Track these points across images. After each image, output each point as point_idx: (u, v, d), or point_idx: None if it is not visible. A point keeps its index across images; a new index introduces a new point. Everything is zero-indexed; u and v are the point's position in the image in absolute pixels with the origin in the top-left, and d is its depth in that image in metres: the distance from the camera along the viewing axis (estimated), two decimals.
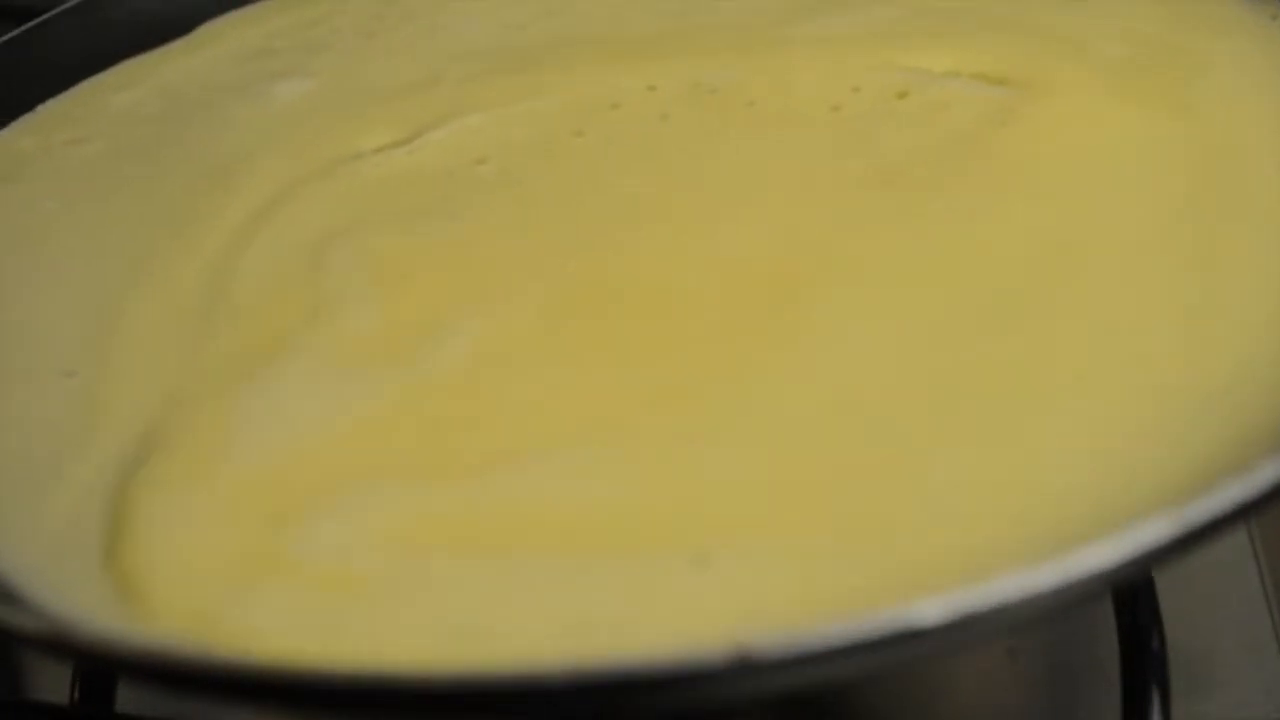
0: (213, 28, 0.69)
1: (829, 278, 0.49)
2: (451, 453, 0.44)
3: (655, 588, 0.40)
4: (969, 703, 0.51)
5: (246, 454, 0.45)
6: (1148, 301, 0.47)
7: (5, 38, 0.65)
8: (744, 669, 0.35)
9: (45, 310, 0.53)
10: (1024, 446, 0.43)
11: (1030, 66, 0.57)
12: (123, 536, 0.43)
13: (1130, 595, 0.49)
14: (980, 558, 0.39)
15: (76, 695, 0.51)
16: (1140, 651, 0.46)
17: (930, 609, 0.35)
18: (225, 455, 0.45)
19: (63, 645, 0.40)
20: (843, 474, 0.42)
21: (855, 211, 0.51)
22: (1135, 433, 0.43)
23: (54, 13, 0.67)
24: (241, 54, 0.67)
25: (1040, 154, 0.53)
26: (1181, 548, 0.37)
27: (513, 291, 0.50)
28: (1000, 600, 0.36)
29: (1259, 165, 0.51)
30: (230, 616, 0.40)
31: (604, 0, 0.66)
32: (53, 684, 0.54)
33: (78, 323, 0.52)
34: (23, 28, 0.66)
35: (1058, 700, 0.52)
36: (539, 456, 0.44)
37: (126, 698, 0.51)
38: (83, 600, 0.41)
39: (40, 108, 0.65)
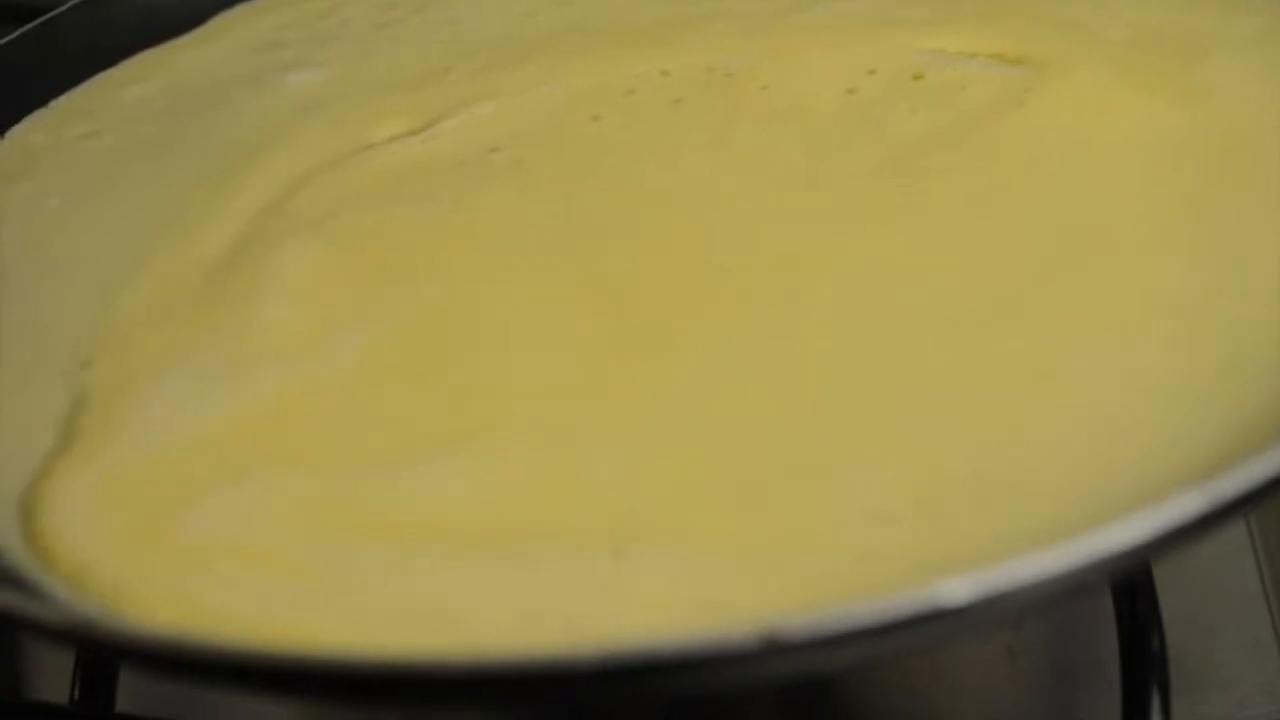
0: (223, 20, 0.68)
1: (823, 269, 0.48)
2: (362, 443, 0.45)
3: (582, 581, 0.40)
4: (969, 702, 0.51)
5: (141, 440, 0.45)
6: (1154, 291, 0.46)
7: (16, 34, 0.65)
8: (772, 651, 0.35)
9: (54, 305, 0.53)
10: (1012, 438, 0.42)
11: (1046, 48, 0.57)
12: (32, 516, 0.44)
13: (1130, 594, 0.49)
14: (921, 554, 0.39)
15: (76, 695, 0.51)
16: (1140, 651, 0.46)
17: (959, 588, 0.35)
18: (122, 441, 0.45)
19: (81, 638, 0.40)
20: (787, 471, 0.42)
21: (860, 201, 0.51)
22: (1133, 428, 0.42)
23: (64, 8, 0.67)
24: (252, 46, 0.66)
25: (1052, 141, 0.53)
26: (1210, 523, 0.37)
27: (465, 277, 0.50)
28: (1026, 579, 0.35)
29: (1269, 149, 0.51)
30: (130, 586, 0.41)
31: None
32: (53, 684, 0.54)
33: (85, 318, 0.52)
34: (34, 23, 0.66)
35: (1058, 700, 0.52)
36: (449, 449, 0.44)
37: (126, 698, 0.51)
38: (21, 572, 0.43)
39: (52, 103, 0.64)
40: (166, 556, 0.42)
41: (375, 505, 0.43)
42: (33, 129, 0.63)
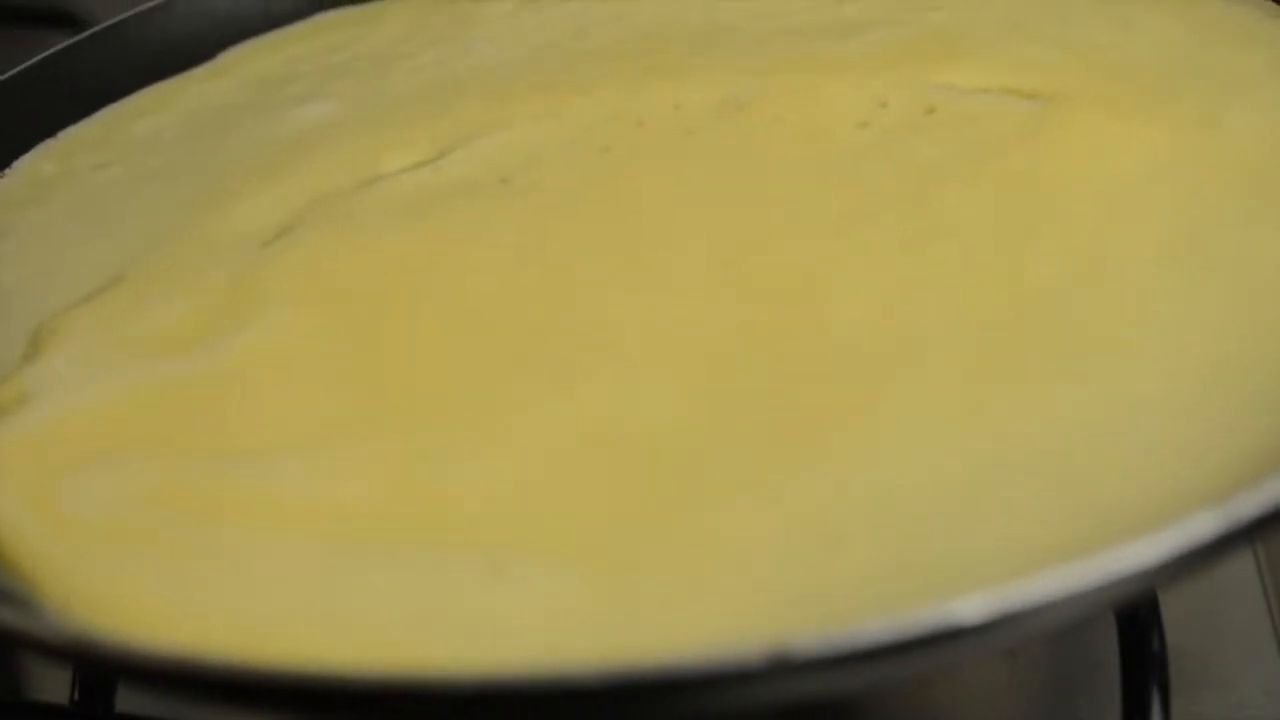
0: (234, 54, 0.68)
1: (830, 296, 0.48)
2: (231, 434, 0.46)
3: (452, 593, 0.41)
4: (969, 703, 0.51)
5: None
6: (1165, 320, 0.46)
7: (26, 65, 0.65)
8: (781, 669, 0.34)
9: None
10: (1006, 461, 0.42)
11: (1059, 82, 0.56)
12: None
13: None
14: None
15: (76, 695, 0.51)
16: (1140, 651, 0.46)
17: (971, 607, 0.34)
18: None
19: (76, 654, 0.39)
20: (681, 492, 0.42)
21: (870, 231, 0.51)
22: (1136, 454, 0.42)
23: (76, 39, 0.67)
24: (262, 80, 0.66)
25: (1064, 172, 0.52)
26: (1226, 545, 0.36)
27: (427, 295, 0.50)
28: (1042, 598, 0.35)
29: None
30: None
31: (630, 26, 0.65)
32: (53, 684, 0.53)
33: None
34: (45, 54, 0.66)
35: (1058, 700, 0.51)
36: (322, 444, 0.45)
37: (126, 698, 0.51)
38: None
39: (62, 133, 0.64)
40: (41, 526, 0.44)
41: (237, 492, 0.44)
42: (42, 159, 0.63)
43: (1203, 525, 0.36)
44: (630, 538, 0.41)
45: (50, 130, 0.64)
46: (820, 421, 0.44)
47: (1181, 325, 0.46)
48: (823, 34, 0.61)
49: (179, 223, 0.57)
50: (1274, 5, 0.59)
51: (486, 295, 0.50)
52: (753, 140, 0.56)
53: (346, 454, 0.45)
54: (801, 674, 0.35)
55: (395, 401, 0.47)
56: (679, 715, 0.37)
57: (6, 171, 0.62)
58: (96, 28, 0.68)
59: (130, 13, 0.68)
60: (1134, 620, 0.47)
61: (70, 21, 0.85)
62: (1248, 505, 0.36)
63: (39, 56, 0.66)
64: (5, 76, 0.64)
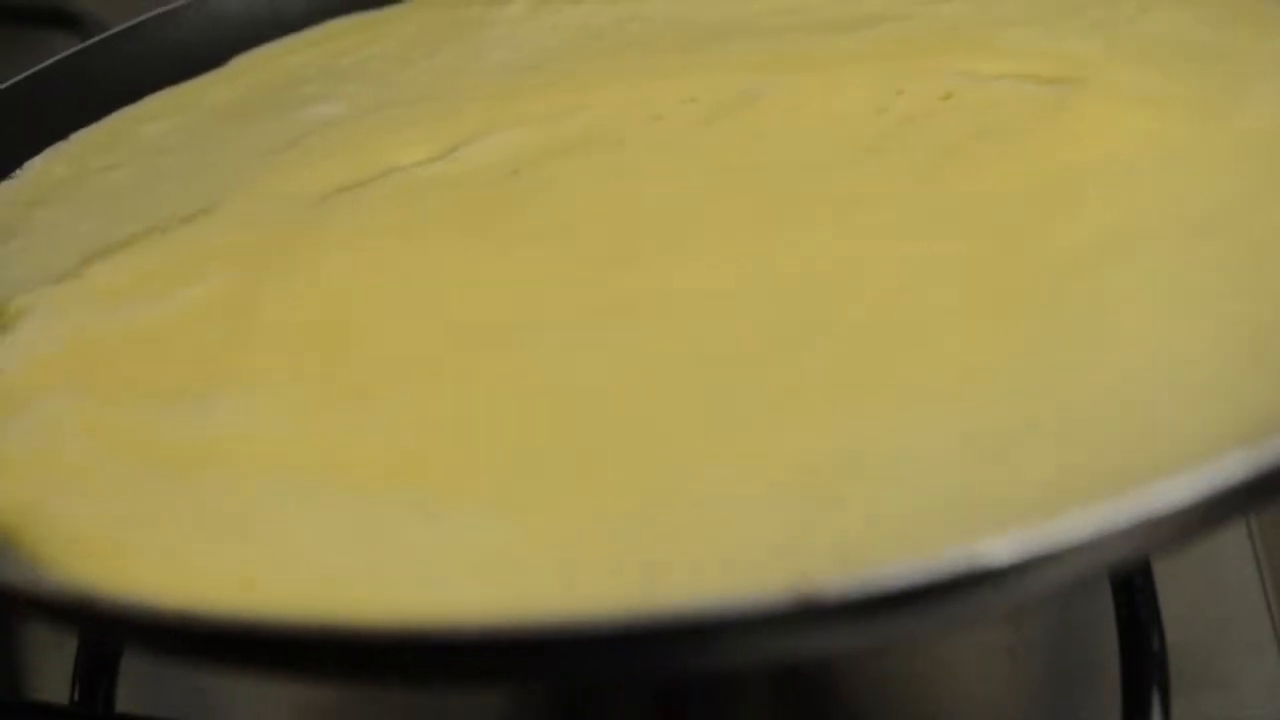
0: (245, 60, 0.68)
1: (849, 277, 0.47)
2: (169, 378, 0.48)
3: (380, 536, 0.41)
4: (969, 702, 0.50)
5: None
6: (1182, 292, 0.45)
7: (38, 68, 0.65)
8: (807, 612, 0.33)
9: None
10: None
11: (1077, 68, 0.56)
12: None
13: (1130, 594, 0.48)
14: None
15: (76, 695, 0.50)
16: (1140, 651, 0.45)
17: (1002, 547, 0.34)
18: None
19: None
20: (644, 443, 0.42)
21: (887, 211, 0.50)
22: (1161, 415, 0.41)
23: (87, 44, 0.67)
24: (274, 83, 0.66)
25: (1083, 153, 0.52)
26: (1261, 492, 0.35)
27: (399, 267, 0.51)
28: (1076, 538, 0.34)
29: None
30: None
31: (643, 25, 0.65)
32: (53, 684, 0.53)
33: None
34: (56, 58, 0.66)
35: (1058, 700, 0.51)
36: (252, 387, 0.46)
37: (127, 698, 0.50)
38: None
39: (73, 136, 0.64)
40: None
41: (171, 433, 0.45)
42: (53, 160, 0.63)
43: (1234, 466, 0.35)
44: (558, 486, 0.42)
45: (61, 133, 0.64)
46: (823, 386, 0.43)
47: (1197, 295, 0.45)
48: (837, 28, 0.61)
49: (185, 218, 0.56)
50: None
51: (467, 271, 0.50)
52: (768, 129, 0.56)
53: (280, 398, 0.46)
54: (829, 619, 0.34)
55: (338, 356, 0.47)
56: (699, 665, 0.36)
57: (17, 173, 0.62)
58: (108, 33, 0.67)
59: (142, 18, 0.68)
60: (1134, 620, 0.47)
61: (70, 21, 0.85)
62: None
63: (51, 60, 0.65)
64: (16, 80, 0.64)
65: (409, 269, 0.51)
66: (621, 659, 0.35)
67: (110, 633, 0.41)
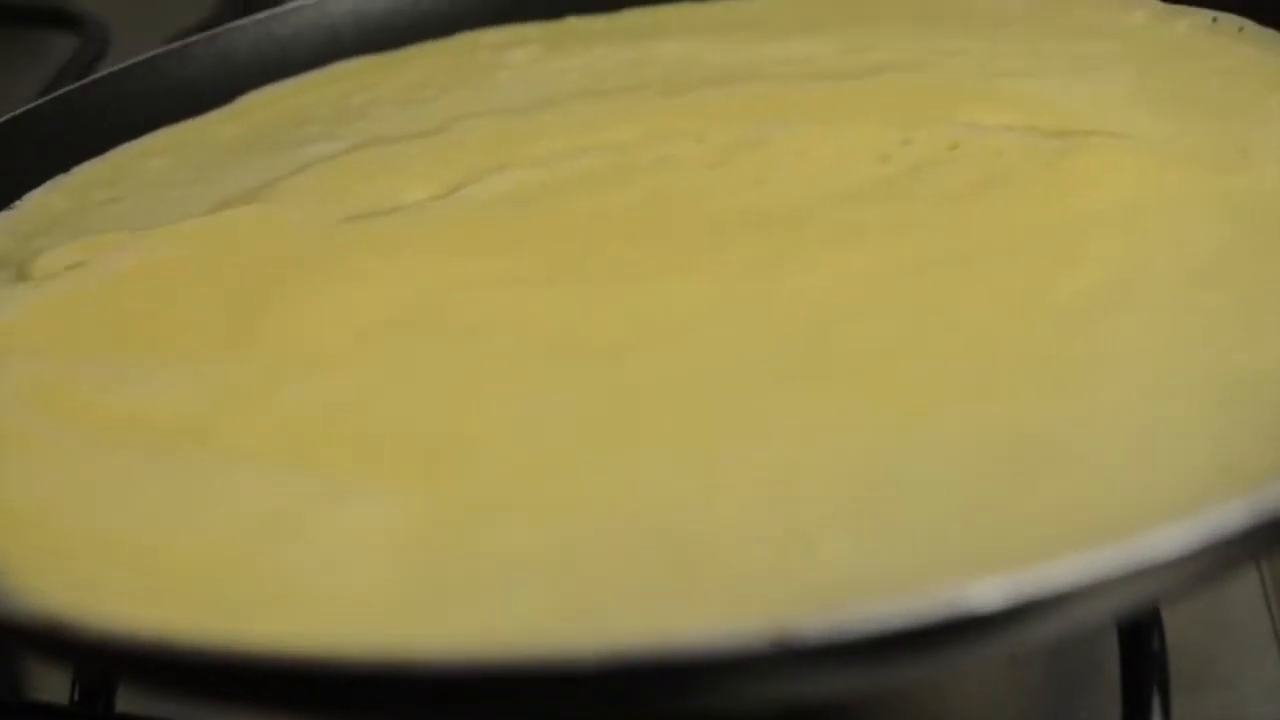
0: (251, 99, 0.68)
1: (850, 316, 0.47)
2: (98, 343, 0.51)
3: (301, 507, 0.42)
4: (969, 702, 0.50)
5: None
6: (1186, 346, 0.45)
7: (41, 101, 0.65)
8: (783, 656, 0.32)
9: None
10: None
11: (1084, 119, 0.56)
12: None
13: None
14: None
15: (76, 695, 0.49)
16: (1140, 651, 0.44)
17: (989, 591, 0.33)
18: None
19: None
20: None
21: (886, 255, 0.50)
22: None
23: (93, 78, 0.67)
24: (277, 122, 0.66)
25: (1087, 202, 0.51)
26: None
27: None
28: (1064, 586, 0.33)
29: None
30: None
31: (651, 69, 0.65)
32: (53, 684, 0.52)
33: None
34: (59, 91, 0.65)
35: (1058, 701, 0.50)
36: (165, 365, 0.49)
37: (127, 698, 0.49)
38: None
39: (75, 169, 0.64)
40: None
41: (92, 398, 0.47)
42: (53, 193, 0.63)
43: (1232, 515, 0.34)
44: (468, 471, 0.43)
45: (64, 167, 0.64)
46: (812, 424, 0.43)
47: (1196, 347, 0.45)
48: (845, 76, 0.61)
49: None
50: None
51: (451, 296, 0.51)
52: (773, 174, 0.55)
53: (195, 372, 0.48)
54: (807, 663, 0.33)
55: (268, 343, 0.49)
56: (675, 709, 0.35)
57: (17, 204, 0.62)
58: (115, 68, 0.67)
59: (148, 55, 0.68)
60: (1134, 620, 0.46)
61: (70, 22, 0.85)
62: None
63: (56, 93, 0.65)
64: (18, 112, 0.64)
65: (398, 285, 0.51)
66: (576, 698, 0.34)
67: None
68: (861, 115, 0.58)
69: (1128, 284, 0.47)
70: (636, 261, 0.51)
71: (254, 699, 0.36)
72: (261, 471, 0.44)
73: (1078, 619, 0.35)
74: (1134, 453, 0.40)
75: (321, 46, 0.70)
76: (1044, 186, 0.52)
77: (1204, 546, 0.33)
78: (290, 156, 0.62)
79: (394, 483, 0.43)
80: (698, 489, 0.41)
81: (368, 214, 0.55)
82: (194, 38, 0.69)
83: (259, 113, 0.67)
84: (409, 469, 0.43)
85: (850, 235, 0.51)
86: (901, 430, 0.42)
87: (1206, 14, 0.61)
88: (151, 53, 0.68)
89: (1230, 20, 0.60)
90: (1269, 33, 0.59)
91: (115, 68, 0.67)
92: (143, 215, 0.59)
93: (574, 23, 0.70)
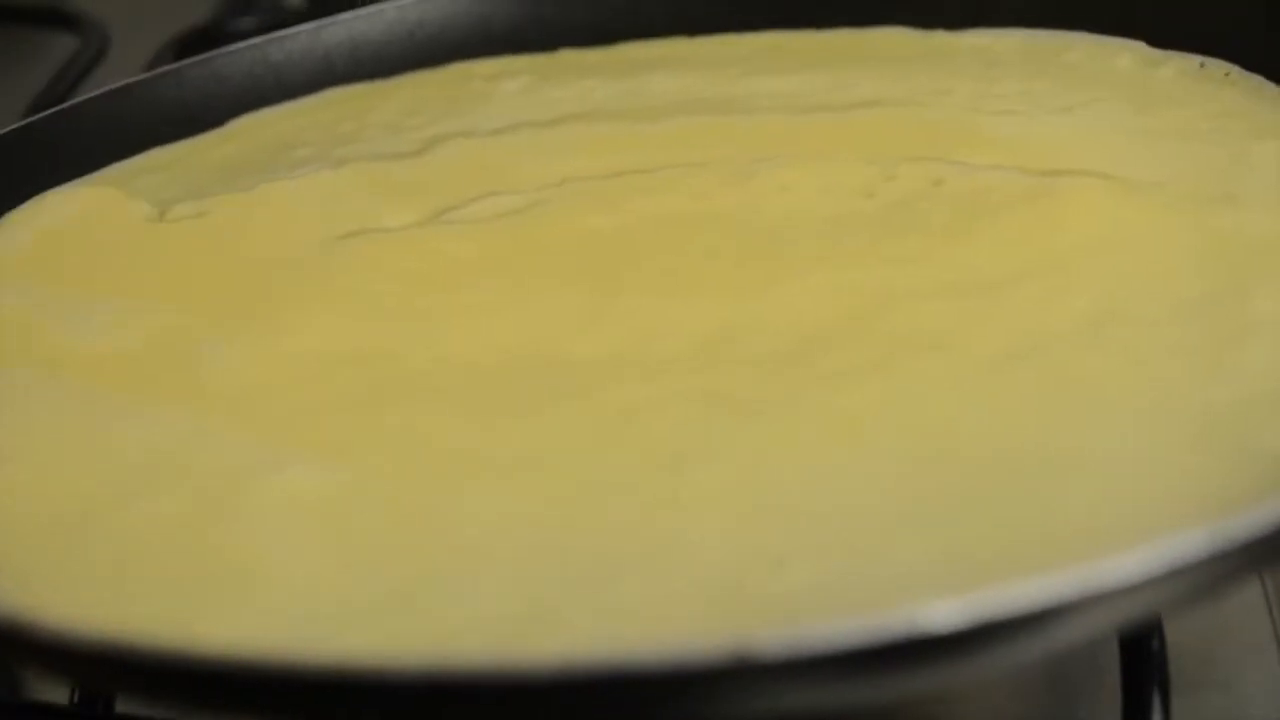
0: (244, 122, 0.68)
1: (833, 345, 0.47)
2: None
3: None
4: (968, 702, 0.49)
5: None
6: (1155, 394, 0.45)
7: (33, 119, 0.65)
8: (743, 672, 0.32)
9: None
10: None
11: (1072, 159, 0.56)
12: None
13: None
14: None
15: (76, 696, 0.49)
16: (1140, 652, 0.44)
17: (945, 612, 0.33)
18: None
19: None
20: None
21: (859, 296, 0.50)
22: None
23: (84, 98, 0.67)
24: (270, 145, 0.66)
25: (1072, 239, 0.51)
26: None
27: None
28: (1023, 608, 0.33)
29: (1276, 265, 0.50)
30: None
31: (640, 102, 0.65)
32: (53, 684, 0.52)
33: None
34: (51, 110, 0.66)
35: (1058, 701, 0.50)
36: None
37: (127, 698, 0.49)
38: None
39: (65, 186, 0.64)
40: None
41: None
42: None
43: (1192, 543, 0.34)
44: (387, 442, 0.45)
45: (54, 185, 0.64)
46: (788, 442, 0.44)
47: (1171, 381, 0.45)
48: (833, 111, 0.61)
49: None
50: None
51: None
52: (757, 205, 0.55)
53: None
54: (766, 679, 0.33)
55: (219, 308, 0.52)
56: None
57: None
58: (108, 88, 0.67)
59: (141, 77, 0.68)
60: None
61: (68, 22, 0.86)
62: (1238, 527, 0.34)
63: (48, 111, 0.65)
64: (8, 130, 0.64)
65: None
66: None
67: None
68: (847, 150, 0.58)
69: (1107, 320, 0.47)
70: (612, 287, 0.51)
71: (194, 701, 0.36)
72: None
73: (1035, 644, 0.34)
74: (1101, 482, 0.41)
75: (315, 73, 0.70)
76: (1027, 225, 0.52)
77: (1163, 574, 0.33)
78: (281, 180, 0.62)
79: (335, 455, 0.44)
80: (668, 505, 0.41)
81: (347, 235, 0.56)
82: (188, 60, 0.70)
83: (250, 135, 0.67)
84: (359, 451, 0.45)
85: (829, 266, 0.51)
86: (873, 455, 0.42)
87: (1194, 59, 0.61)
88: (146, 75, 0.68)
89: (1217, 65, 0.61)
90: (1255, 78, 0.60)
91: (109, 87, 0.67)
92: None
93: (567, 55, 0.70)
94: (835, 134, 0.59)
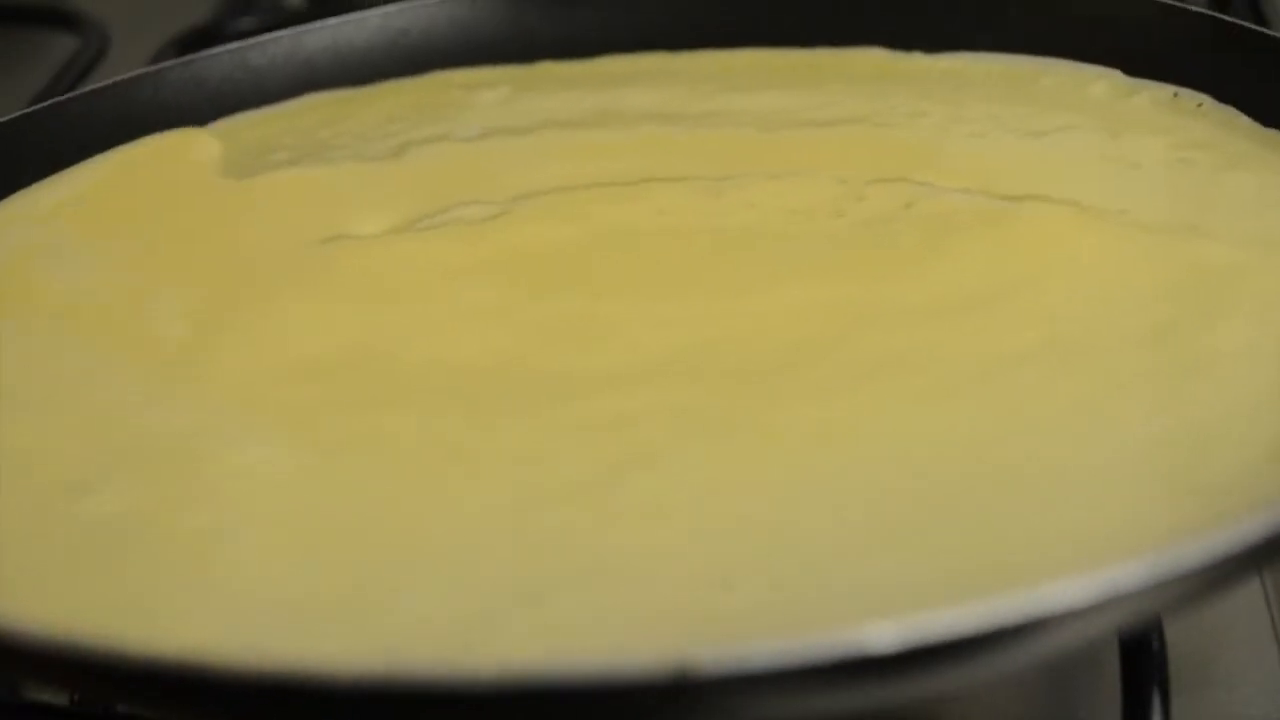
0: (223, 125, 0.68)
1: (806, 365, 0.48)
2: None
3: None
4: (967, 702, 0.49)
5: None
6: (1108, 421, 0.45)
7: (12, 116, 0.65)
8: (683, 688, 0.33)
9: None
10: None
11: (1041, 185, 0.56)
12: None
13: None
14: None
15: (76, 696, 0.49)
16: (1140, 651, 0.44)
17: (885, 633, 0.33)
18: None
19: None
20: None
21: (825, 319, 0.50)
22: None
23: (64, 97, 0.67)
24: (248, 148, 0.66)
25: (1038, 263, 0.52)
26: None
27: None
28: (966, 632, 0.33)
29: (1254, 280, 0.50)
30: None
31: (617, 115, 0.65)
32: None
33: None
34: (29, 109, 0.66)
35: (1057, 700, 0.49)
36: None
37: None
38: None
39: (34, 185, 0.64)
40: None
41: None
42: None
43: (1130, 569, 0.34)
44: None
45: (24, 186, 0.64)
46: (750, 462, 0.44)
47: (1126, 407, 0.45)
48: (806, 129, 0.61)
49: None
50: (1263, 132, 0.59)
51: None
52: (725, 223, 0.56)
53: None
54: (707, 696, 0.33)
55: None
56: None
57: None
58: (88, 88, 0.68)
59: (122, 77, 0.68)
60: None
61: (67, 21, 0.86)
62: (1182, 551, 0.34)
63: (26, 110, 0.65)
64: None
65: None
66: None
67: None
68: (818, 169, 0.58)
69: (1067, 346, 0.48)
70: (578, 299, 0.52)
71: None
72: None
73: (978, 665, 0.35)
74: (1047, 508, 0.41)
75: (296, 78, 0.70)
76: (991, 249, 0.52)
77: (1100, 601, 0.34)
78: (254, 182, 0.62)
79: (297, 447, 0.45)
80: (619, 519, 0.42)
81: (322, 240, 0.56)
82: (169, 62, 0.70)
83: (228, 138, 0.67)
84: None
85: (795, 284, 0.51)
86: (832, 474, 0.43)
87: (1168, 89, 0.62)
88: (126, 75, 0.68)
89: (1190, 96, 0.61)
90: (1228, 110, 0.60)
91: (90, 87, 0.67)
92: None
93: (547, 67, 0.71)
94: (807, 152, 0.60)
